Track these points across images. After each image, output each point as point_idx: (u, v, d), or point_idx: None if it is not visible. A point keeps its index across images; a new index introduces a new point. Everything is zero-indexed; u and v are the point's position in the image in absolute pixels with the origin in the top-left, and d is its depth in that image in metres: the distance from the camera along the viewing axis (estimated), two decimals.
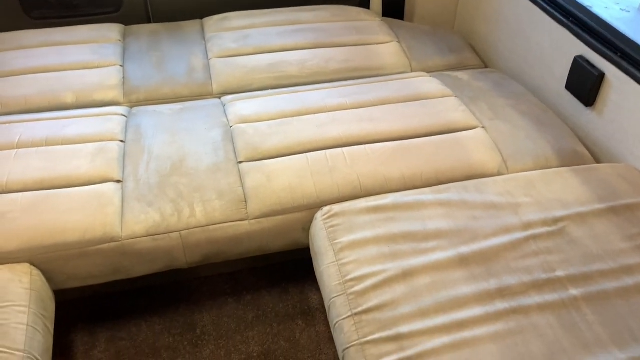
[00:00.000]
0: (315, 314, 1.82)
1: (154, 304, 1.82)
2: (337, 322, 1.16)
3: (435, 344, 1.08)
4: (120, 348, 1.70)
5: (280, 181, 1.38)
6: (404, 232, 1.29)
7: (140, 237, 1.29)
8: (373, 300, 1.16)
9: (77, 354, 1.68)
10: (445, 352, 1.07)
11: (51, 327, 1.21)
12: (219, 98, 1.80)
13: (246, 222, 1.35)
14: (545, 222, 1.32)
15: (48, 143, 1.46)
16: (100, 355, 1.68)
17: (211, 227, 1.33)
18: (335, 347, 1.75)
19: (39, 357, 1.10)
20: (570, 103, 1.71)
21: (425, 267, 1.21)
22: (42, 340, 1.14)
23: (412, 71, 1.93)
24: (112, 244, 1.28)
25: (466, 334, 1.10)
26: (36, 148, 1.44)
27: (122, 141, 1.51)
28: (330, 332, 1.77)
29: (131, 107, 1.75)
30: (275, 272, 1.94)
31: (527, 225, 1.31)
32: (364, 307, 1.15)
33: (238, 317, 1.80)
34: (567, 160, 1.51)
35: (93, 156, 1.42)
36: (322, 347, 1.73)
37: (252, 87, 1.82)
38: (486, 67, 2.09)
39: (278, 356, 1.70)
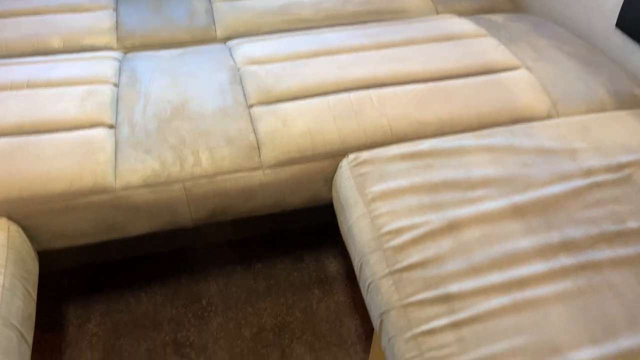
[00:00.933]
0: (334, 282, 1.64)
1: (154, 273, 1.64)
2: (371, 283, 0.98)
3: (492, 304, 0.90)
4: (118, 321, 1.53)
5: (298, 126, 1.19)
6: (445, 180, 1.10)
7: (137, 188, 1.11)
8: (414, 256, 0.97)
9: (69, 328, 1.51)
10: (505, 313, 0.89)
11: (33, 292, 1.03)
12: (224, 43, 1.60)
13: (259, 171, 1.16)
14: (608, 169, 1.14)
15: (30, 86, 1.26)
16: (95, 329, 1.51)
17: (219, 177, 1.14)
18: (356, 319, 1.57)
19: (17, 325, 0.92)
20: (622, 43, 1.51)
21: (474, 218, 1.03)
22: (22, 305, 0.96)
23: (437, 14, 1.73)
24: (104, 196, 1.09)
25: (528, 293, 0.92)
26: (16, 91, 1.24)
27: (115, 85, 1.31)
28: (350, 303, 1.59)
29: (125, 52, 1.55)
30: (288, 240, 1.75)
31: (588, 172, 1.13)
32: (404, 263, 0.97)
33: (248, 287, 1.62)
34: (626, 103, 1.32)
35: (82, 99, 1.23)
36: (342, 318, 1.55)
37: (259, 32, 1.62)
38: (519, 11, 1.89)
39: (294, 329, 1.53)
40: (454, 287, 0.93)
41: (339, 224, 1.17)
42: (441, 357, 0.85)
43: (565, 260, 0.97)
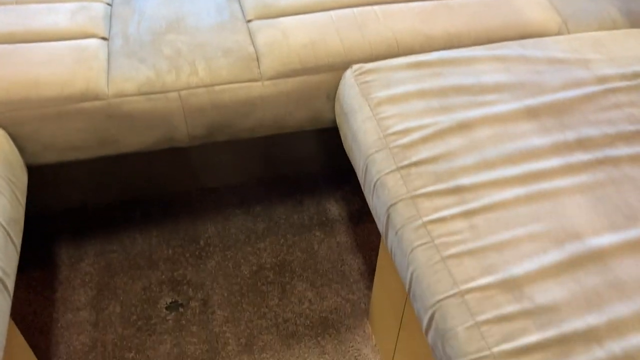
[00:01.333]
0: (335, 224, 1.59)
1: (150, 216, 1.59)
2: (377, 181, 0.93)
3: (506, 195, 0.85)
4: (111, 260, 1.47)
5: (300, 37, 1.14)
6: (454, 85, 1.05)
7: (131, 95, 1.05)
8: (423, 153, 0.92)
9: (62, 267, 1.45)
10: (520, 203, 0.84)
11: (22, 199, 0.98)
12: None
13: (259, 83, 1.11)
14: (623, 77, 1.09)
15: (19, 2, 1.21)
16: (88, 268, 1.45)
17: (217, 87, 1.09)
18: (358, 258, 1.52)
19: (3, 223, 0.87)
20: None
21: (486, 118, 0.98)
22: (8, 206, 0.90)
23: None
24: (97, 103, 1.04)
25: (544, 185, 0.87)
26: (4, 6, 1.19)
27: (108, 4, 1.26)
28: (353, 243, 1.54)
29: None
30: (287, 185, 1.70)
31: (602, 80, 1.08)
32: (413, 159, 0.92)
33: (247, 229, 1.57)
34: (637, 22, 1.27)
35: (73, 14, 1.18)
36: (344, 257, 1.50)
37: None
38: None
39: (294, 267, 1.47)
40: (465, 180, 0.88)
41: (343, 137, 1.12)
42: (453, 243, 0.80)
43: (582, 156, 0.92)
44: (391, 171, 0.91)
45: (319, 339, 1.32)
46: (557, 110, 1.01)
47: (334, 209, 1.64)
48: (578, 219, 0.83)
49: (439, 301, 0.75)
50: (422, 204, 0.85)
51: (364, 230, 1.57)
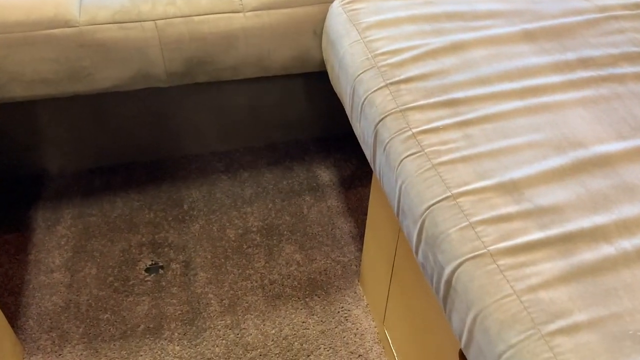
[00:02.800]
0: (326, 189, 1.52)
1: (132, 182, 1.52)
2: (364, 100, 0.86)
3: (504, 107, 0.79)
4: (89, 224, 1.40)
5: None
6: (447, 12, 0.99)
7: (104, 23, 0.99)
8: (414, 71, 0.86)
9: (36, 230, 1.38)
10: (519, 115, 0.78)
11: None
12: None
13: (241, 14, 1.05)
14: (625, 7, 1.03)
15: None
16: (64, 231, 1.38)
17: (196, 18, 1.03)
18: (350, 222, 1.45)
19: None
20: None
21: (481, 40, 0.92)
22: None
23: None
24: (67, 30, 0.97)
25: (545, 99, 0.81)
26: None
27: None
28: (344, 207, 1.46)
29: None
30: (277, 152, 1.63)
31: (603, 9, 1.02)
32: (402, 77, 0.85)
33: (234, 194, 1.50)
34: None
35: None
36: (335, 221, 1.43)
37: None
38: None
39: (282, 230, 1.40)
40: (459, 94, 0.81)
41: (329, 70, 1.05)
42: (445, 151, 0.73)
43: (584, 74, 0.86)
44: (379, 88, 0.84)
45: (306, 300, 1.24)
46: (556, 34, 0.94)
47: (325, 175, 1.57)
48: (581, 129, 0.76)
49: (429, 207, 0.68)
50: (412, 116, 0.78)
51: (356, 195, 1.50)
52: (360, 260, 1.30)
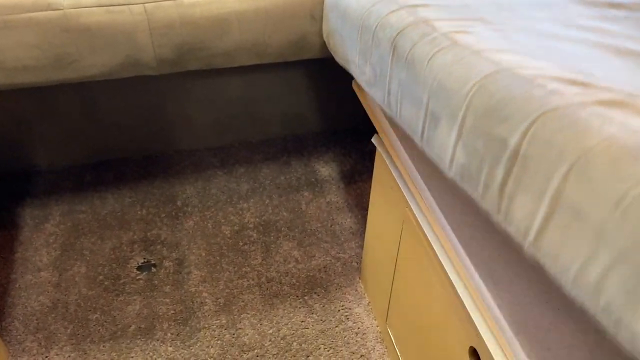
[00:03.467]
0: (325, 185, 1.47)
1: (124, 178, 1.47)
2: (377, 25, 0.76)
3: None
4: (79, 221, 1.34)
5: None
6: None
7: (90, 7, 0.94)
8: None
9: (24, 228, 1.32)
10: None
11: None
12: None
13: None
14: None
15: None
16: (52, 229, 1.32)
17: (186, 1, 0.98)
18: (350, 217, 1.39)
19: None
20: None
21: None
22: None
23: None
24: (50, 13, 0.92)
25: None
26: None
27: None
28: (344, 203, 1.41)
29: None
30: (273, 147, 1.58)
31: None
32: (419, 2, 0.76)
33: (229, 189, 1.45)
34: None
35: None
36: (334, 217, 1.37)
37: None
38: None
39: (280, 227, 1.35)
40: (485, 14, 0.73)
41: (333, 47, 1.00)
42: (484, 45, 0.63)
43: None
44: (393, 11, 0.76)
45: (305, 298, 1.19)
46: None
47: (324, 170, 1.52)
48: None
49: (477, 82, 0.56)
50: (437, 23, 0.70)
51: (356, 190, 1.45)
52: (361, 257, 1.25)
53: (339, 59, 0.98)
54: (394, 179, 0.92)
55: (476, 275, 0.68)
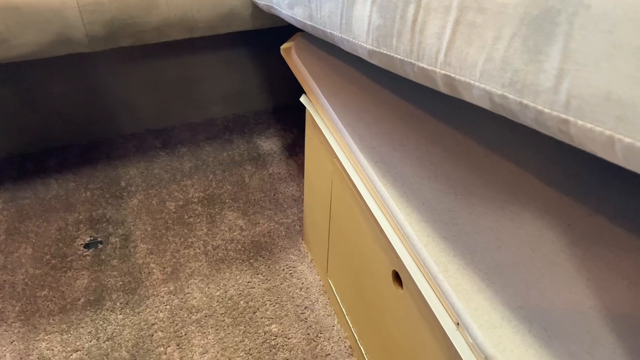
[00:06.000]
0: (267, 158, 1.52)
1: (67, 163, 1.48)
2: None
3: None
4: (23, 207, 1.35)
5: None
6: None
7: None
8: None
9: None
10: None
11: None
12: None
13: None
14: None
15: None
16: None
17: None
18: (292, 186, 1.45)
19: None
20: None
21: None
22: None
23: None
24: None
25: None
26: None
27: None
28: (286, 173, 1.47)
29: None
30: (215, 126, 1.62)
31: None
32: None
33: (173, 168, 1.48)
34: None
35: None
36: (277, 187, 1.43)
37: None
38: None
39: (224, 199, 1.39)
40: None
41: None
42: None
43: None
44: None
45: (251, 261, 1.24)
46: None
47: (265, 145, 1.57)
48: None
49: None
50: None
51: (297, 162, 1.51)
52: (303, 220, 1.31)
53: (263, 5, 1.03)
54: (322, 133, 0.98)
55: (393, 206, 0.74)
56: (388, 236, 0.76)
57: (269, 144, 1.56)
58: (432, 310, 0.66)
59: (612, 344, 0.58)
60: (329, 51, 1.02)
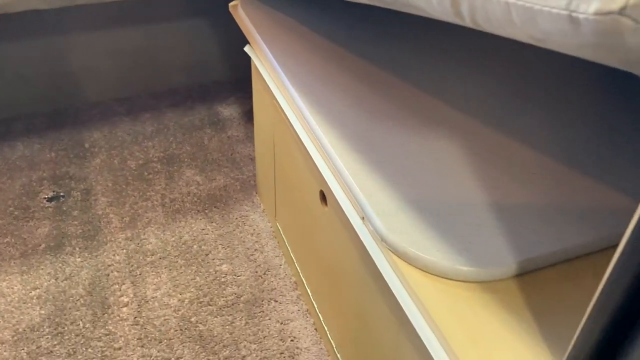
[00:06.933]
0: (226, 123, 1.59)
1: (33, 129, 1.54)
2: None
3: None
4: None
5: None
6: None
7: None
8: None
9: None
10: None
11: None
12: None
13: None
14: None
15: None
16: None
17: None
18: (248, 147, 1.53)
19: None
20: None
21: None
22: None
23: None
24: None
25: None
26: None
27: None
28: (244, 136, 1.54)
29: None
30: (178, 95, 1.69)
31: None
32: None
33: (135, 132, 1.55)
34: None
35: None
36: (234, 147, 1.50)
37: None
38: None
39: (183, 158, 1.46)
40: None
41: None
42: None
43: None
44: None
45: (206, 212, 1.31)
46: None
47: (226, 111, 1.64)
48: None
49: None
50: None
51: None
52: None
53: None
54: (263, 79, 1.05)
55: (317, 128, 0.82)
56: (313, 157, 0.84)
57: (229, 111, 1.64)
58: (347, 217, 0.74)
59: (495, 227, 0.66)
60: (273, 7, 1.10)
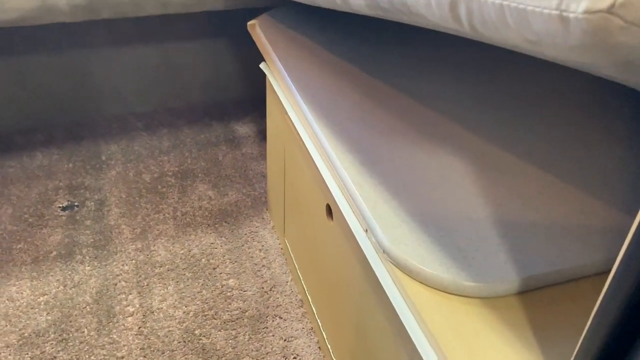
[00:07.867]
0: (241, 140, 1.61)
1: (53, 140, 1.57)
2: None
3: None
4: (8, 174, 1.44)
5: None
6: None
7: None
8: None
9: None
10: None
11: None
12: None
13: None
14: None
15: None
16: None
17: None
18: (262, 164, 1.53)
19: None
20: None
21: None
22: None
23: None
24: None
25: None
26: None
27: None
28: (258, 154, 1.55)
29: None
30: (196, 112, 1.72)
31: None
32: None
33: (152, 146, 1.57)
34: None
35: None
36: (248, 164, 1.51)
37: None
38: None
39: (197, 173, 1.48)
40: None
41: None
42: None
43: None
44: None
45: (216, 226, 1.31)
46: None
47: (242, 129, 1.66)
48: None
49: None
50: None
51: None
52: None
53: None
54: (277, 95, 1.07)
55: (324, 142, 0.83)
56: (320, 169, 0.84)
57: (245, 129, 1.66)
58: (351, 230, 0.74)
59: (498, 244, 0.65)
60: (289, 26, 1.12)
